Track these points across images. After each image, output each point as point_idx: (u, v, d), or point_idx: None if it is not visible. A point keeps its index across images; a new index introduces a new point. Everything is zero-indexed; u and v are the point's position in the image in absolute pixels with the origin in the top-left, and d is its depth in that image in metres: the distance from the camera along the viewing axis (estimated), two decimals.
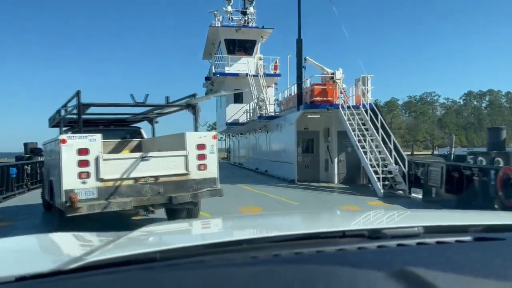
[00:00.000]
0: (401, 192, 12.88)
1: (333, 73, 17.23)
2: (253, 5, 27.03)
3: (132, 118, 10.01)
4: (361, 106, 14.98)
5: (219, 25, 26.38)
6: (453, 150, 26.08)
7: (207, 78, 28.11)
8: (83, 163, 6.39)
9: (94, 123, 9.57)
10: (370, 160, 13.38)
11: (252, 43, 26.28)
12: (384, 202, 11.07)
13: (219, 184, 7.45)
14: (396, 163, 13.18)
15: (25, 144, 20.91)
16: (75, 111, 7.40)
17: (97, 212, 6.40)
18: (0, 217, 9.55)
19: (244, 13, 26.81)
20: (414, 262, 0.87)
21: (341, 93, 15.75)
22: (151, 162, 6.92)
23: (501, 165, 12.04)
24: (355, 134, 14.09)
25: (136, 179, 6.76)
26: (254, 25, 26.69)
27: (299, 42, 16.91)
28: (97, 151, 6.50)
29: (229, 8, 26.79)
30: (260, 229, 1.70)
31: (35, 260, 1.34)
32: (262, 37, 26.65)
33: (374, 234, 1.13)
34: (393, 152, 13.40)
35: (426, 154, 64.12)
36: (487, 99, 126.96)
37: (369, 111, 14.59)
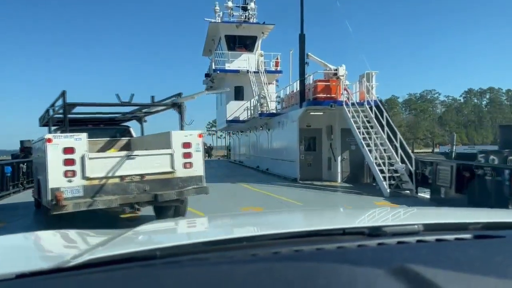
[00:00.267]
0: (407, 191, 12.50)
1: (336, 69, 16.88)
2: (253, 0, 26.61)
3: (122, 117, 10.02)
4: (365, 103, 14.58)
5: (219, 21, 25.95)
6: (454, 148, 25.75)
7: (207, 75, 27.69)
8: (68, 162, 6.46)
9: (84, 122, 9.64)
10: (376, 158, 12.98)
11: (253, 39, 25.85)
12: (391, 203, 10.67)
13: (205, 182, 7.52)
14: (402, 161, 12.79)
15: (21, 142, 20.52)
16: (62, 111, 7.52)
17: (83, 210, 6.47)
18: None
19: (244, 9, 26.36)
20: (414, 259, 0.86)
21: (345, 90, 15.36)
22: (136, 161, 7.01)
23: None
24: (359, 132, 13.69)
25: (122, 177, 6.85)
26: (255, 21, 26.25)
27: (301, 37, 16.47)
28: (83, 150, 6.57)
29: (230, 4, 26.37)
30: (259, 226, 1.70)
31: (35, 257, 1.35)
32: (263, 33, 26.22)
33: (374, 232, 1.13)
34: (399, 150, 13.00)
35: (426, 152, 63.68)
36: (487, 96, 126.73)
37: (374, 108, 14.19)
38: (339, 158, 16.54)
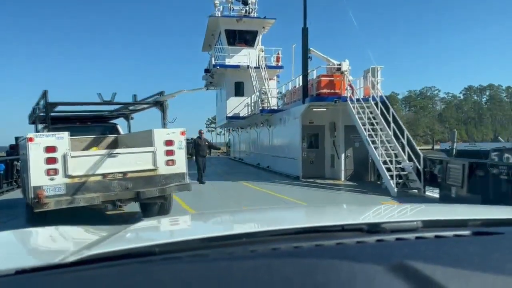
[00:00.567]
0: (415, 190, 12.05)
1: (339, 64, 16.44)
2: None
3: (109, 115, 10.10)
4: (370, 99, 14.12)
5: (219, 15, 25.44)
6: (455, 145, 25.38)
7: (206, 71, 27.19)
8: (50, 161, 6.52)
9: (72, 120, 9.73)
10: (382, 156, 12.53)
11: (254, 34, 25.36)
12: (399, 202, 10.24)
13: (188, 179, 7.64)
14: (410, 159, 12.35)
15: (16, 139, 20.02)
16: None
17: (65, 207, 6.56)
18: None
19: (245, 3, 25.77)
20: (413, 256, 0.86)
21: (349, 85, 14.90)
22: (119, 159, 7.08)
23: None
24: (365, 129, 13.23)
25: (104, 175, 6.93)
26: (255, 16, 25.73)
27: (304, 31, 15.98)
28: (65, 148, 6.63)
29: None
30: (259, 223, 1.68)
31: (35, 253, 1.38)
32: (263, 28, 25.72)
33: (373, 228, 1.12)
34: (407, 148, 12.54)
35: (426, 149, 63.42)
36: (487, 93, 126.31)
37: (379, 104, 13.73)
38: (342, 156, 16.11)
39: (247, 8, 25.58)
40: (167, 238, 1.21)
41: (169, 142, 7.42)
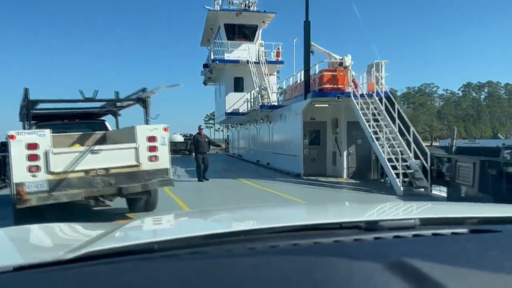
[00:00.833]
0: (422, 189, 11.66)
1: (341, 59, 16.02)
2: None
3: (97, 112, 10.21)
4: (374, 95, 13.69)
5: (219, 9, 24.93)
6: (454, 142, 25.08)
7: (205, 66, 26.72)
8: (32, 157, 6.57)
9: (60, 117, 9.87)
10: (388, 154, 12.12)
11: (253, 28, 24.87)
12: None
13: (171, 175, 7.73)
14: (416, 157, 11.94)
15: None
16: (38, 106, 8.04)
17: (47, 203, 6.62)
18: None
19: None
20: (411, 253, 0.86)
21: (353, 81, 14.46)
22: (101, 155, 7.16)
23: None
24: (369, 125, 12.80)
25: (87, 171, 6.98)
26: (255, 9, 25.22)
27: (306, 24, 15.51)
28: (47, 145, 6.68)
29: None
30: (257, 220, 1.68)
31: (33, 249, 1.37)
32: (263, 22, 25.21)
33: (371, 226, 1.13)
34: (412, 145, 12.12)
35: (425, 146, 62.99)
36: (486, 90, 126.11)
37: (384, 100, 13.30)
38: (345, 153, 15.69)
39: (247, 2, 25.05)
40: (165, 235, 1.19)
41: (152, 138, 7.48)
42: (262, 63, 23.20)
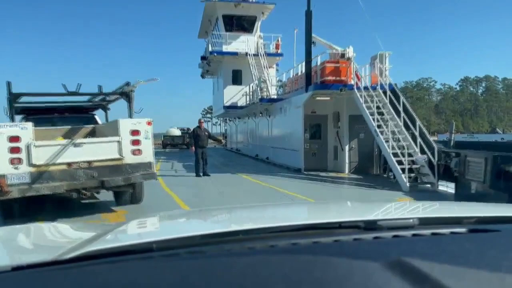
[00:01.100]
0: (428, 185, 11.25)
1: (343, 51, 15.56)
2: None
3: (87, 106, 10.33)
4: (378, 87, 13.24)
5: (217, 0, 24.35)
6: (453, 136, 24.73)
7: (203, 58, 26.18)
8: (14, 150, 6.65)
9: (50, 111, 9.93)
10: (393, 148, 11.69)
11: (252, 19, 24.32)
12: (414, 199, 9.41)
13: (154, 168, 7.80)
14: (422, 152, 11.51)
15: None
16: (23, 100, 8.31)
17: (29, 195, 6.69)
18: None
19: None
20: (410, 253, 0.86)
21: (355, 74, 14.00)
22: (84, 148, 7.22)
23: None
24: (373, 119, 12.36)
25: (69, 164, 7.05)
26: (254, 0, 24.65)
27: (308, 14, 14.97)
28: (29, 138, 6.77)
29: None
30: (256, 220, 1.65)
31: (31, 249, 1.37)
32: (263, 13, 24.64)
33: (370, 226, 1.13)
34: (419, 139, 11.69)
35: None
36: (483, 85, 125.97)
37: (388, 93, 12.84)
38: (346, 147, 15.28)
39: None
40: (164, 235, 1.15)
41: (135, 132, 7.53)
42: (261, 55, 22.70)
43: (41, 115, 9.51)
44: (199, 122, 14.34)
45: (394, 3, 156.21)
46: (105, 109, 10.57)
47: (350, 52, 15.43)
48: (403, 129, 12.14)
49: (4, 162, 6.62)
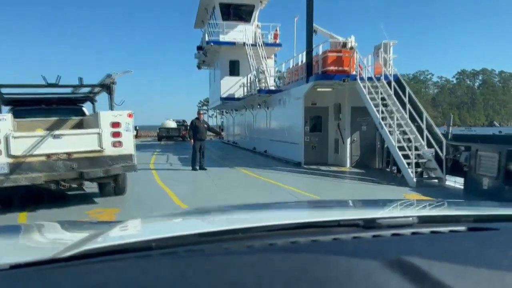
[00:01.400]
0: (435, 180, 10.76)
1: (345, 41, 14.99)
2: None
3: (75, 98, 10.28)
4: (382, 78, 12.69)
5: None
6: (450, 129, 24.33)
7: (199, 48, 25.49)
8: None
9: (37, 102, 9.86)
10: (399, 141, 11.17)
11: (250, 8, 23.61)
12: (422, 195, 8.91)
13: (135, 160, 7.77)
14: (429, 145, 11.01)
15: None
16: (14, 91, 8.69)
17: (6, 186, 6.74)
18: None
19: None
20: (409, 251, 0.86)
21: (358, 64, 13.44)
22: (64, 139, 7.23)
23: None
24: (378, 111, 11.83)
25: (48, 156, 7.08)
26: None
27: (309, 1, 14.36)
28: (7, 129, 6.83)
29: None
30: (255, 218, 1.58)
31: (30, 247, 1.35)
32: (261, 2, 23.92)
33: (369, 224, 1.12)
34: (425, 132, 11.18)
35: None
36: (480, 78, 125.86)
37: (393, 83, 12.31)
38: (348, 140, 14.77)
39: None
40: (163, 233, 1.10)
41: (115, 124, 7.53)
42: (259, 45, 22.06)
43: (28, 106, 9.58)
44: (198, 113, 13.74)
45: None
46: (92, 101, 10.52)
47: (352, 41, 14.87)
48: (409, 121, 11.63)
49: None
